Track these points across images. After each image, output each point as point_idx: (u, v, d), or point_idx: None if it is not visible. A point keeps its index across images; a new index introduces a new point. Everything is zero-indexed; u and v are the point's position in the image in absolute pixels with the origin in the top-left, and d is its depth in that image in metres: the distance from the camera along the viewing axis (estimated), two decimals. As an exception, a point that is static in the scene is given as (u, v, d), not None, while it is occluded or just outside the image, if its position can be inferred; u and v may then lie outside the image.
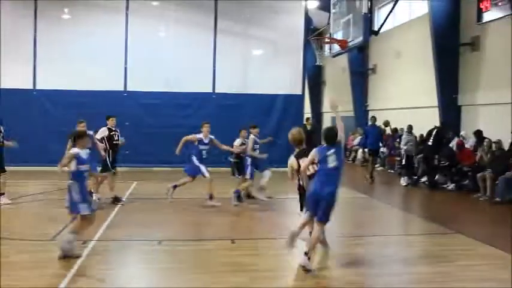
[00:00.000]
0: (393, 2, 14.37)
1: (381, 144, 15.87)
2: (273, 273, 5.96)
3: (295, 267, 5.95)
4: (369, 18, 13.64)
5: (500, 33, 12.83)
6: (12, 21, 15.46)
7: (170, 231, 7.95)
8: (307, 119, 20.06)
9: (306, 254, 5.83)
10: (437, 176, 13.32)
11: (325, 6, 18.28)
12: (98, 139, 9.77)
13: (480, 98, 13.89)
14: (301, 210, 6.72)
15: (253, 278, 5.65)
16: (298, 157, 6.61)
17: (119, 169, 10.75)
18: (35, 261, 6.10)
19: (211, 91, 16.49)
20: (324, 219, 5.97)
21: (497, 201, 10.69)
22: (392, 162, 17.05)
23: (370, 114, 19.09)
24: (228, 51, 16.46)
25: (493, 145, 11.80)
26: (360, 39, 13.84)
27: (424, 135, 14.02)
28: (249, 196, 10.61)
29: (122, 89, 16.02)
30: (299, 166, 6.50)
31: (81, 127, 9.27)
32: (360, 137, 19.09)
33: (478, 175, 11.47)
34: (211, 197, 9.95)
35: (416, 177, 13.87)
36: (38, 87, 15.76)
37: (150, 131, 15.51)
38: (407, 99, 17.61)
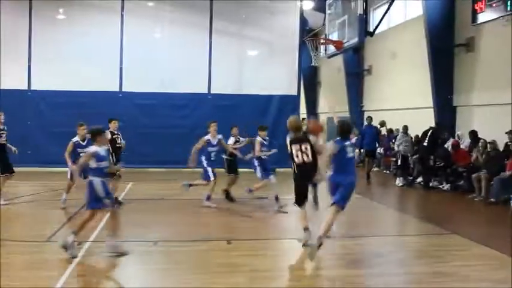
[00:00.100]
0: (388, 3, 14.41)
1: (377, 145, 15.91)
2: (271, 273, 5.95)
3: (293, 267, 5.95)
4: (364, 19, 13.68)
5: (495, 34, 12.88)
6: (6, 21, 15.37)
7: (166, 231, 7.93)
8: (303, 119, 20.04)
9: (320, 239, 6.09)
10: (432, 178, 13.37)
11: (320, 7, 18.32)
12: None
13: (475, 98, 13.93)
14: (297, 202, 6.99)
15: (252, 278, 5.64)
16: (292, 142, 6.96)
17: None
18: (32, 262, 6.10)
19: (206, 92, 16.49)
20: (342, 203, 6.37)
21: (492, 201, 10.72)
22: (387, 163, 17.09)
23: (366, 114, 19.10)
24: (223, 52, 16.46)
25: (488, 146, 11.84)
26: (355, 40, 13.87)
27: (420, 135, 14.05)
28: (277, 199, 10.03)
29: (117, 89, 15.98)
30: (292, 152, 6.92)
31: (81, 130, 9.25)
32: (355, 138, 19.08)
33: (473, 176, 11.51)
34: (208, 198, 9.93)
35: (411, 177, 13.91)
36: (33, 87, 15.71)
37: (146, 132, 15.48)
38: (402, 100, 17.64)
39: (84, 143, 9.15)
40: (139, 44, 15.93)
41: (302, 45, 17.57)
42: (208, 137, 9.91)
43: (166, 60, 15.84)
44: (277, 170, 10.02)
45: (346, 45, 14.66)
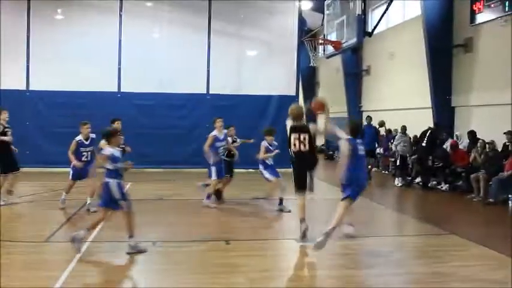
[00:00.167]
0: (387, 4, 14.44)
1: (377, 145, 15.92)
2: (270, 273, 5.95)
3: (293, 267, 5.95)
4: (362, 20, 13.72)
5: (493, 34, 12.91)
6: (5, 21, 15.36)
7: (165, 232, 7.93)
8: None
9: (327, 234, 6.22)
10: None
11: (319, 7, 18.35)
12: None
13: (473, 99, 13.95)
14: (298, 190, 7.20)
15: (251, 278, 5.63)
16: (292, 131, 7.17)
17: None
18: (31, 262, 6.09)
19: (205, 92, 16.49)
20: (354, 197, 6.60)
21: (491, 202, 10.73)
22: (386, 163, 17.10)
23: (364, 115, 19.12)
24: (222, 52, 16.46)
25: (487, 146, 11.85)
26: (354, 40, 13.90)
27: (418, 136, 14.07)
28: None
29: (116, 89, 15.98)
30: (290, 139, 7.19)
31: (84, 129, 9.23)
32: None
33: (472, 176, 11.52)
34: (208, 197, 9.93)
35: (410, 178, 13.93)
36: (31, 87, 15.68)
37: (144, 132, 15.43)
38: (401, 100, 17.67)
39: (87, 142, 9.16)
40: (138, 44, 15.93)
41: (301, 45, 17.60)
42: (214, 132, 9.95)
43: (164, 61, 15.85)
44: (277, 170, 10.03)
45: (344, 45, 14.69)
